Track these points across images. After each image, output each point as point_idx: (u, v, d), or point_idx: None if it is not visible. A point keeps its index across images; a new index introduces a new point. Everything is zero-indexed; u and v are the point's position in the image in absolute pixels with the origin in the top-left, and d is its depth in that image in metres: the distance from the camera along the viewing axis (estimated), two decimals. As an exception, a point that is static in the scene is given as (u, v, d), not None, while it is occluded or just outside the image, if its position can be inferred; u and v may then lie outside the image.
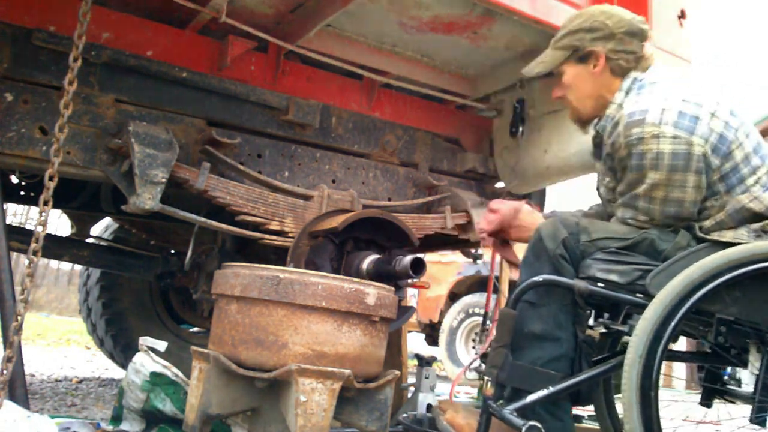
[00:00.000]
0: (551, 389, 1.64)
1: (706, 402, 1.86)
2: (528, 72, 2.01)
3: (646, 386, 1.50)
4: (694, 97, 1.69)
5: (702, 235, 1.68)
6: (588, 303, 1.76)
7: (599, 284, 1.68)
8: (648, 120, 1.65)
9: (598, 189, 2.03)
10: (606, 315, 1.79)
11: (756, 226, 1.65)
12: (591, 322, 1.82)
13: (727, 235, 1.65)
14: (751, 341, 1.64)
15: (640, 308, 1.59)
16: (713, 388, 1.80)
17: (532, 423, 1.51)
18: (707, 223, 1.70)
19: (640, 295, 1.65)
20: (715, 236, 1.67)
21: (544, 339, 1.71)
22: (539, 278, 1.69)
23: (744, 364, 1.66)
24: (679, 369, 7.46)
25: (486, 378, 1.73)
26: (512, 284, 3.20)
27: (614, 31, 1.82)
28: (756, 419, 1.58)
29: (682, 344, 5.66)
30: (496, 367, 1.67)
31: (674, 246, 1.68)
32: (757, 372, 1.61)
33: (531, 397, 1.63)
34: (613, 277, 1.67)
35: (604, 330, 1.82)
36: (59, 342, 7.44)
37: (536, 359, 1.70)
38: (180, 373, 2.13)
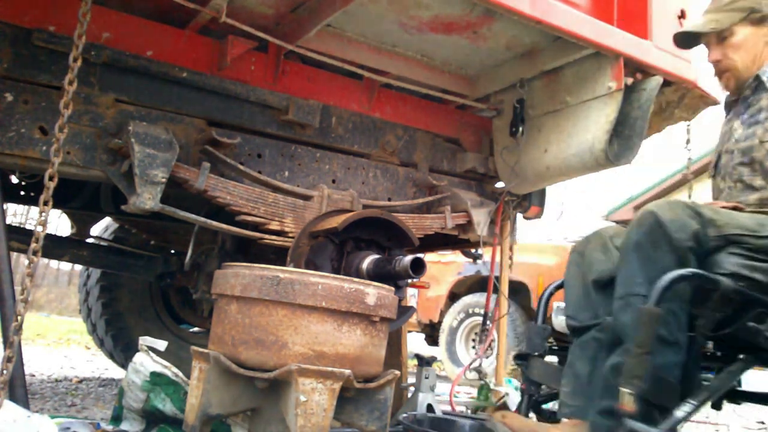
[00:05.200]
0: (695, 403, 1.44)
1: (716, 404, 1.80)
2: (697, 28, 1.99)
3: None
4: None
5: None
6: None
7: (740, 283, 1.52)
8: None
9: (718, 160, 1.96)
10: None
11: None
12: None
13: None
14: None
15: None
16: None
17: None
18: None
19: None
20: None
21: (666, 343, 1.50)
22: (687, 272, 1.47)
23: None
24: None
25: (483, 383, 1.68)
26: (512, 284, 3.20)
27: None
28: None
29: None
30: (639, 377, 1.40)
31: None
32: None
33: (678, 414, 1.43)
34: (758, 276, 1.53)
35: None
36: (59, 342, 7.44)
37: (660, 367, 1.48)
38: (180, 373, 2.13)
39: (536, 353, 2.03)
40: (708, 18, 1.97)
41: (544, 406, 2.13)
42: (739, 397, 1.91)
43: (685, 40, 2.10)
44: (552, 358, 2.23)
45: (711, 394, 1.50)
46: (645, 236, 1.57)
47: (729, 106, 2.02)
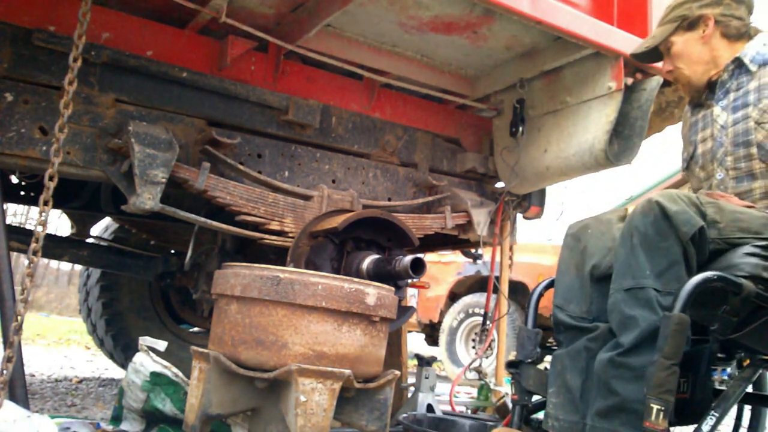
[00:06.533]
0: (717, 414, 1.38)
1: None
2: (637, 50, 2.04)
3: None
4: None
5: None
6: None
7: (759, 285, 1.46)
8: None
9: (694, 152, 1.93)
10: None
11: None
12: None
13: None
14: None
15: None
16: None
17: None
18: None
19: None
20: None
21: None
22: (712, 275, 1.39)
23: None
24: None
25: (483, 383, 1.59)
26: (512, 284, 3.20)
27: None
28: None
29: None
30: (671, 392, 1.31)
31: None
32: None
33: (706, 429, 1.38)
34: None
35: None
36: (59, 342, 7.44)
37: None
38: (180, 373, 2.13)
39: (529, 360, 1.88)
40: (648, 36, 2.03)
41: (533, 416, 1.96)
42: (751, 400, 1.88)
43: (645, 60, 2.14)
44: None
45: (730, 403, 1.45)
46: (651, 226, 1.50)
47: (694, 101, 2.01)
